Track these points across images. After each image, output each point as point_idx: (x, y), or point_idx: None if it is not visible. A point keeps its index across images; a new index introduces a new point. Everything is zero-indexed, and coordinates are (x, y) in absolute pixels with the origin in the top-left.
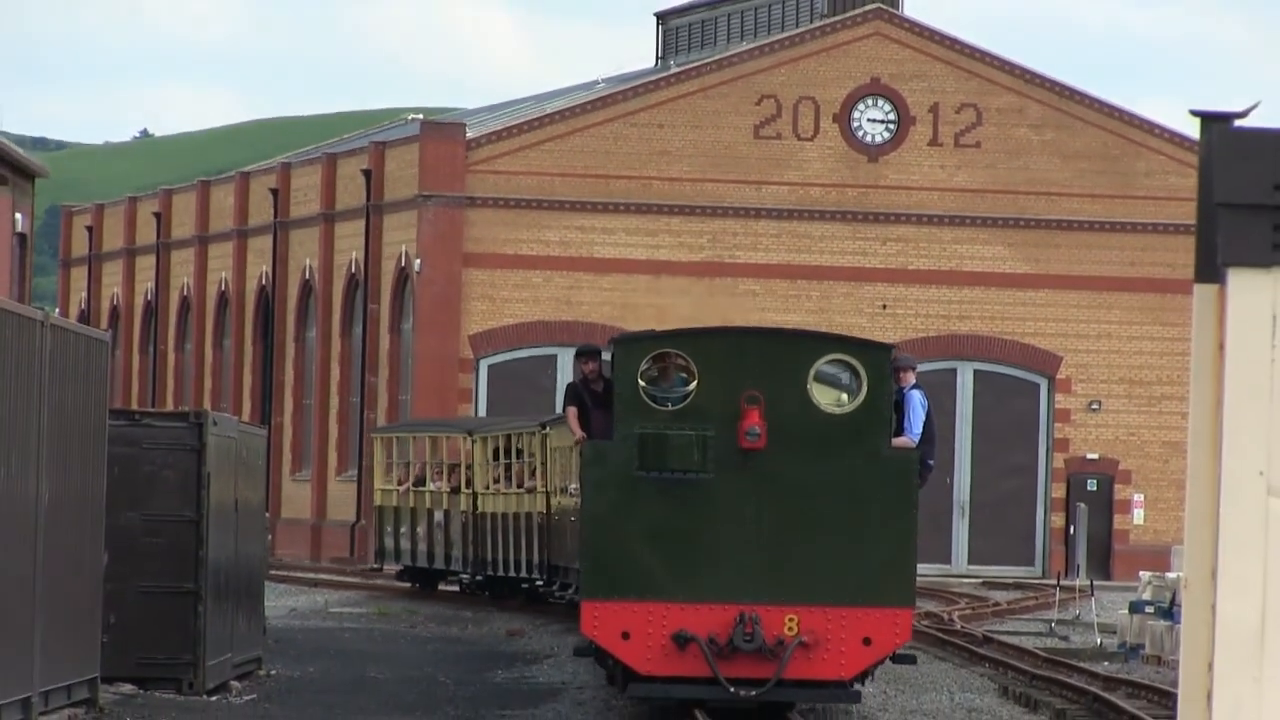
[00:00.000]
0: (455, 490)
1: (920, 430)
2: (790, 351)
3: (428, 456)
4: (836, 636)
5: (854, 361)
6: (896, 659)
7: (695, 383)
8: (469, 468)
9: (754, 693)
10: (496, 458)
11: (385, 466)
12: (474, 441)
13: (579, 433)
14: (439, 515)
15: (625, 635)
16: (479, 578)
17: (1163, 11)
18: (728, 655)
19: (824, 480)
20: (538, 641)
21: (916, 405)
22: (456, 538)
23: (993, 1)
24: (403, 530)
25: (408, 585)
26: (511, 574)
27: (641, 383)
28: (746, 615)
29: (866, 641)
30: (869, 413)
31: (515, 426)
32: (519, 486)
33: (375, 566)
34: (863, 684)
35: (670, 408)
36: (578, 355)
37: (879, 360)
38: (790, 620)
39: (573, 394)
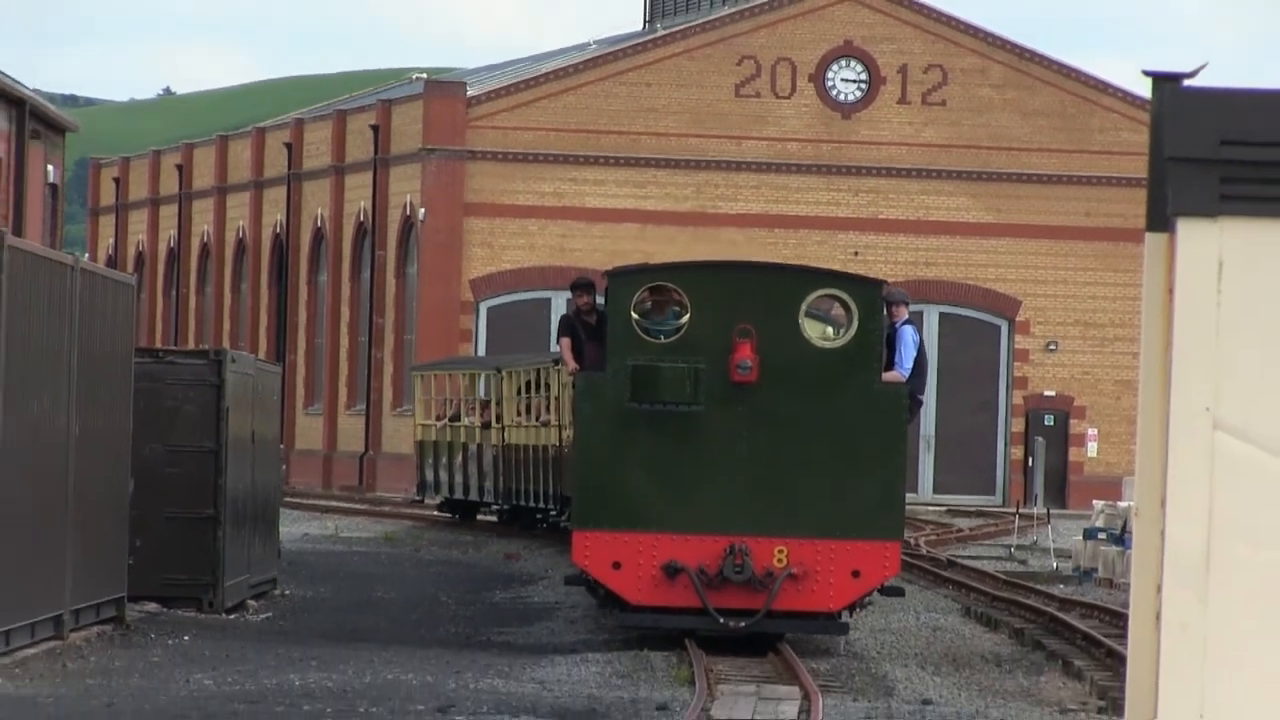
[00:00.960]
0: (486, 425)
1: (910, 365)
2: (782, 286)
3: (462, 393)
4: (825, 569)
5: (845, 296)
6: (885, 591)
7: (687, 316)
8: (498, 403)
9: (743, 623)
10: (520, 393)
11: (425, 403)
12: (502, 377)
13: (572, 364)
14: (473, 449)
15: (616, 565)
16: (507, 508)
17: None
18: (717, 586)
19: (814, 414)
20: (533, 565)
21: (908, 340)
22: (489, 470)
23: None
24: (442, 464)
25: (449, 516)
26: (534, 504)
27: (634, 315)
28: (736, 547)
29: (855, 574)
30: (860, 347)
31: (536, 362)
32: (537, 420)
33: (418, 499)
34: (851, 615)
35: (662, 340)
36: (572, 288)
37: (870, 295)
38: (780, 552)
39: (566, 326)
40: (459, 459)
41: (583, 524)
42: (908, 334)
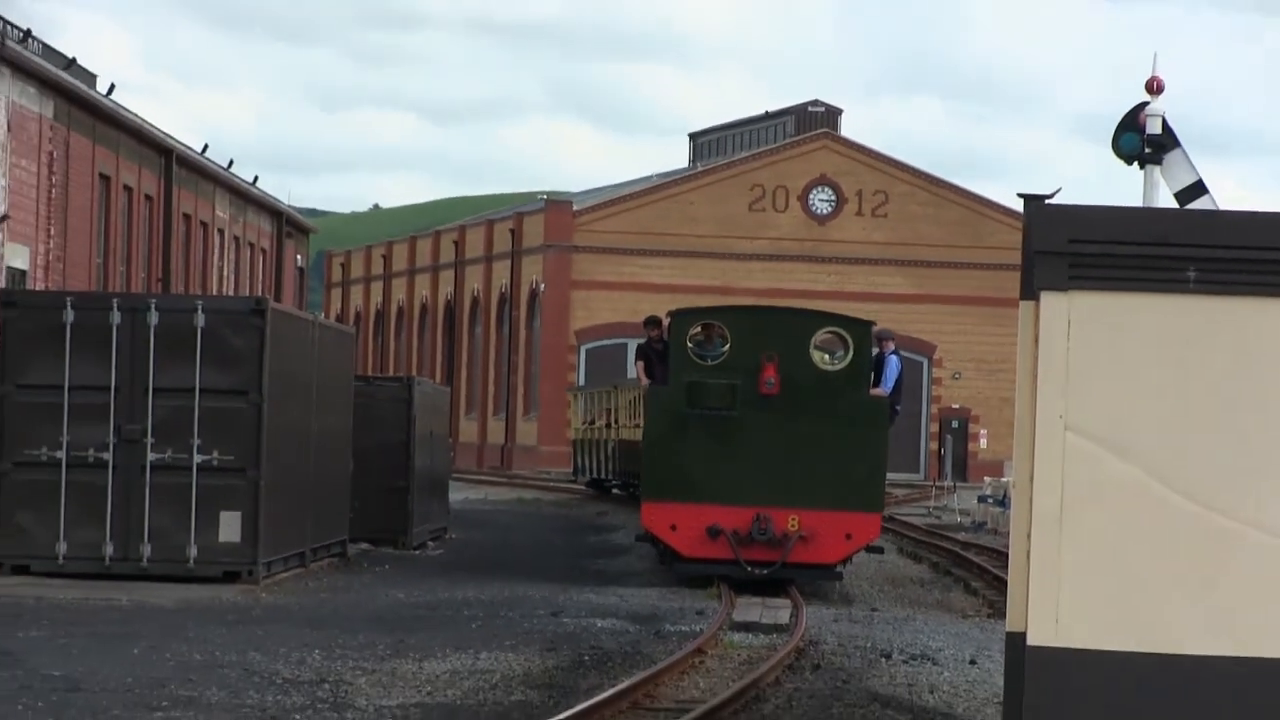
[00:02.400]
0: (608, 426)
1: (892, 385)
2: (798, 324)
3: (597, 404)
4: (826, 532)
5: (844, 333)
6: (869, 549)
7: (729, 345)
8: (615, 411)
9: (765, 571)
10: (628, 405)
11: (576, 413)
12: (617, 394)
13: (644, 380)
14: (603, 443)
15: (673, 527)
16: (619, 483)
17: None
18: (747, 544)
19: (820, 418)
20: (616, 519)
21: (892, 366)
22: (610, 458)
23: (896, 122)
24: (587, 454)
25: (594, 492)
26: (635, 481)
27: (690, 344)
28: (761, 515)
29: (848, 536)
30: (853, 370)
31: (632, 384)
32: (633, 423)
33: (574, 480)
34: (844, 567)
35: (710, 363)
36: (645, 323)
37: (862, 333)
38: (793, 520)
39: (641, 352)
40: (596, 450)
41: (649, 496)
42: (892, 361)
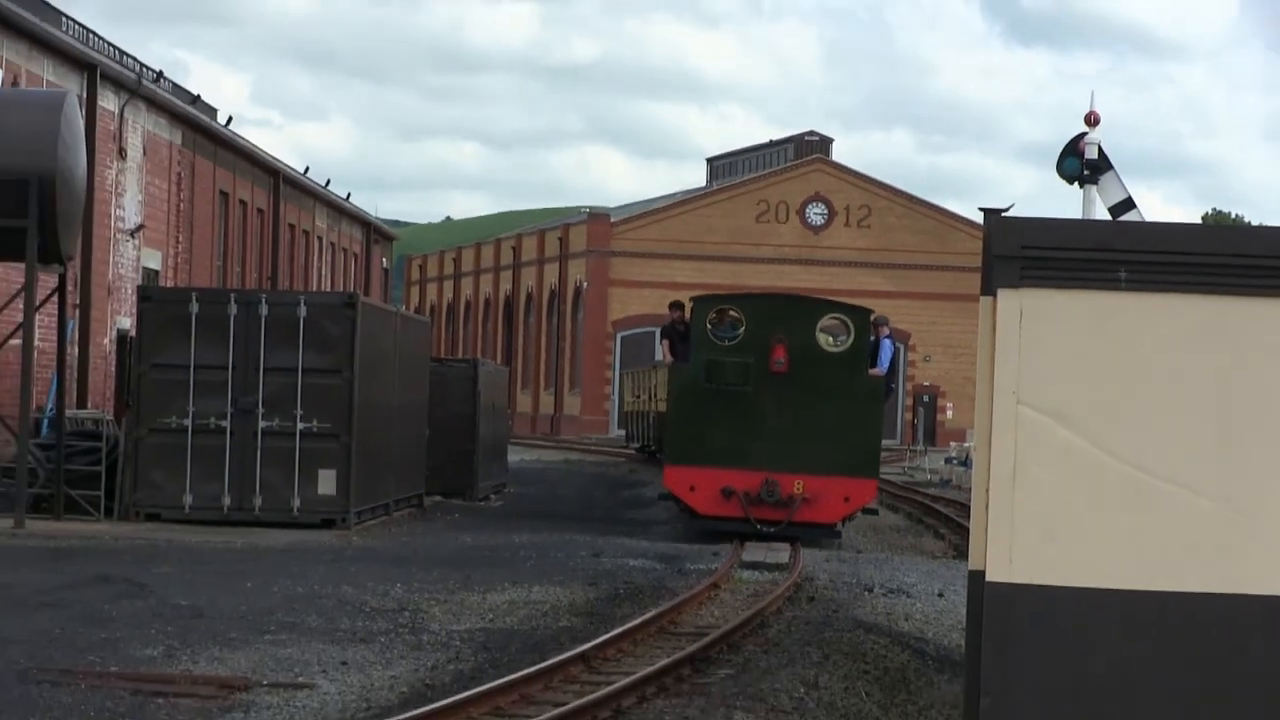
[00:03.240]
0: (649, 399)
1: (887, 365)
2: (806, 311)
3: (641, 382)
4: (827, 495)
5: (845, 318)
6: (865, 511)
7: (743, 328)
8: (655, 387)
9: (773, 529)
10: (664, 382)
11: (629, 389)
12: (657, 373)
13: (669, 358)
14: (645, 415)
15: (692, 488)
16: (658, 448)
17: (966, 161)
18: (757, 504)
19: (823, 394)
20: (645, 477)
21: (887, 349)
22: (652, 426)
23: (876, 149)
24: (635, 424)
25: (642, 457)
26: None
27: (708, 326)
28: (770, 479)
29: (846, 499)
30: (853, 352)
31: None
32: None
33: (625, 447)
34: (843, 526)
35: (726, 343)
36: (670, 306)
37: (862, 319)
38: (798, 484)
39: (665, 332)
40: (640, 421)
41: (671, 461)
42: (887, 345)
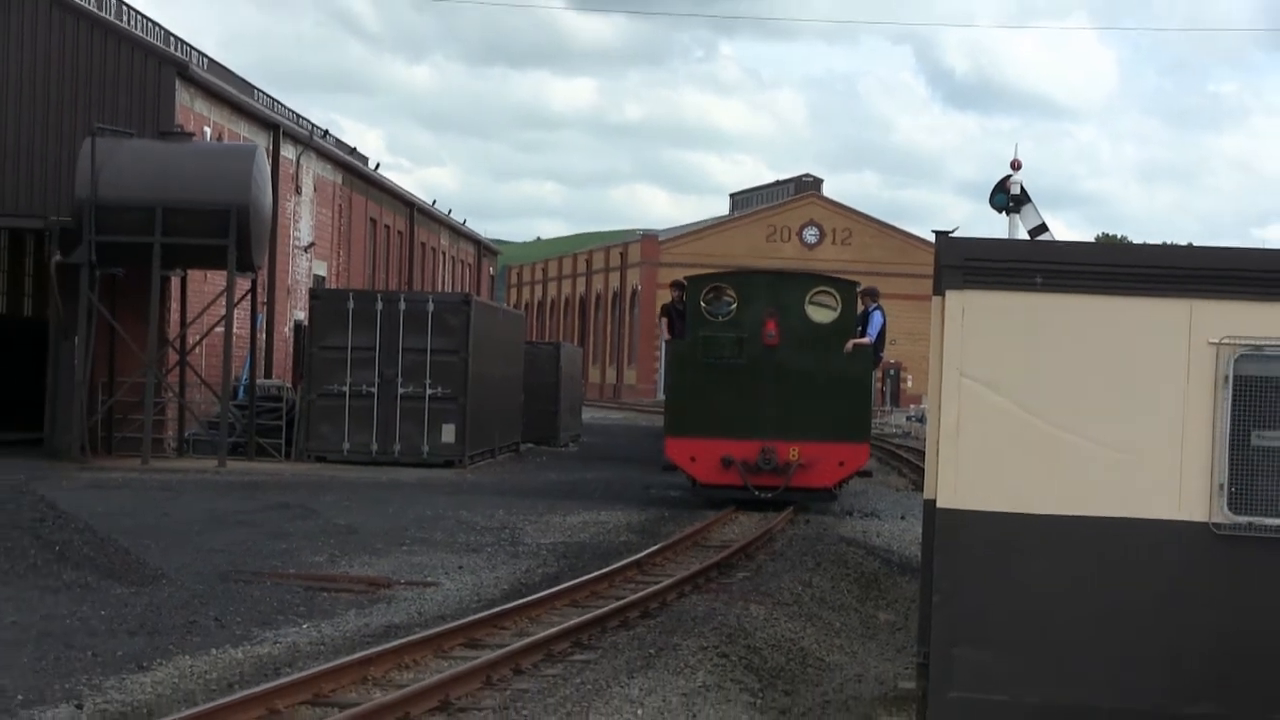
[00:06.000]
0: None
1: (875, 335)
2: (795, 285)
3: None
4: (822, 460)
5: (834, 291)
6: (859, 474)
7: (735, 304)
8: None
9: (770, 495)
10: None
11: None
12: None
13: (667, 334)
14: None
15: (693, 459)
16: None
17: (918, 196)
18: (755, 472)
19: (814, 364)
20: None
21: (875, 320)
22: None
23: (853, 185)
24: None
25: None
26: None
27: (703, 304)
28: (766, 448)
29: (841, 463)
30: (842, 323)
31: None
32: None
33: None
34: (838, 489)
35: (720, 319)
36: (671, 286)
37: (849, 292)
38: (794, 451)
39: (665, 310)
40: None
41: (671, 432)
42: (877, 315)
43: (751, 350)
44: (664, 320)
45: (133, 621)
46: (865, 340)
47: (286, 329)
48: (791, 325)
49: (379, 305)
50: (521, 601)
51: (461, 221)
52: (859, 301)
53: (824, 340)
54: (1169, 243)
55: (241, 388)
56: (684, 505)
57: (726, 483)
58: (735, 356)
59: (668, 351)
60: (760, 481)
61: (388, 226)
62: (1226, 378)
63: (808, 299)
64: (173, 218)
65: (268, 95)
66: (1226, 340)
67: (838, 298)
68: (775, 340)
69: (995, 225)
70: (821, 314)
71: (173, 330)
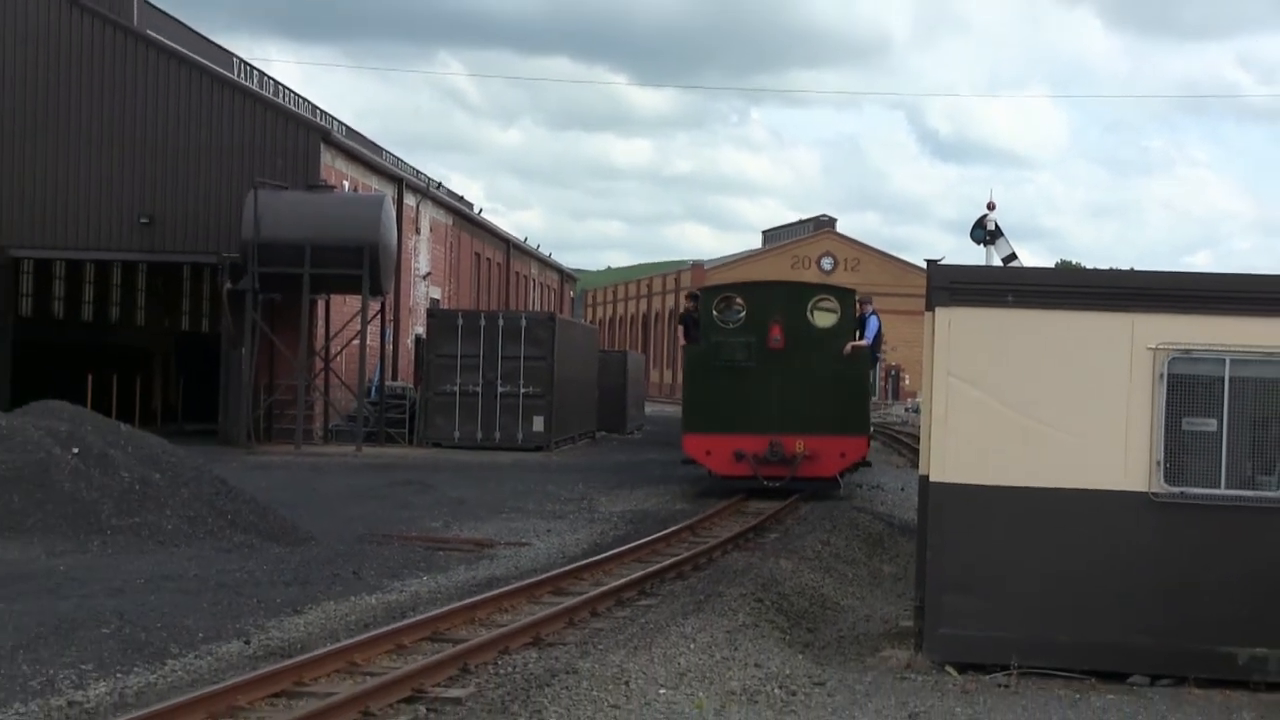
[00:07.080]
0: None
1: (872, 338)
2: (799, 294)
3: None
4: (826, 452)
5: (833, 299)
6: (860, 464)
7: (744, 311)
8: None
9: (778, 484)
10: None
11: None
12: None
13: (684, 340)
14: None
15: (708, 453)
16: None
17: (911, 232)
18: (764, 464)
19: (817, 365)
20: None
21: (872, 324)
22: None
23: (860, 224)
24: None
25: None
26: None
27: (715, 312)
28: (774, 441)
29: (843, 455)
30: (842, 327)
31: None
32: None
33: None
34: (841, 478)
35: (731, 326)
36: (687, 297)
37: (847, 298)
38: (799, 444)
39: (681, 319)
40: None
41: (688, 429)
42: (873, 320)
43: (759, 353)
44: (681, 328)
45: (288, 574)
46: (863, 343)
47: (409, 341)
48: (795, 330)
49: (482, 322)
50: (597, 558)
51: (547, 254)
52: (856, 307)
53: (825, 343)
54: (1114, 268)
55: (374, 388)
56: (728, 482)
57: (739, 474)
58: (745, 359)
59: (684, 356)
60: (769, 472)
61: (489, 259)
62: (1161, 375)
63: (810, 306)
64: (319, 253)
65: (393, 155)
66: (1161, 346)
67: (837, 304)
68: (781, 344)
69: (974, 255)
70: (823, 319)
71: (319, 342)
